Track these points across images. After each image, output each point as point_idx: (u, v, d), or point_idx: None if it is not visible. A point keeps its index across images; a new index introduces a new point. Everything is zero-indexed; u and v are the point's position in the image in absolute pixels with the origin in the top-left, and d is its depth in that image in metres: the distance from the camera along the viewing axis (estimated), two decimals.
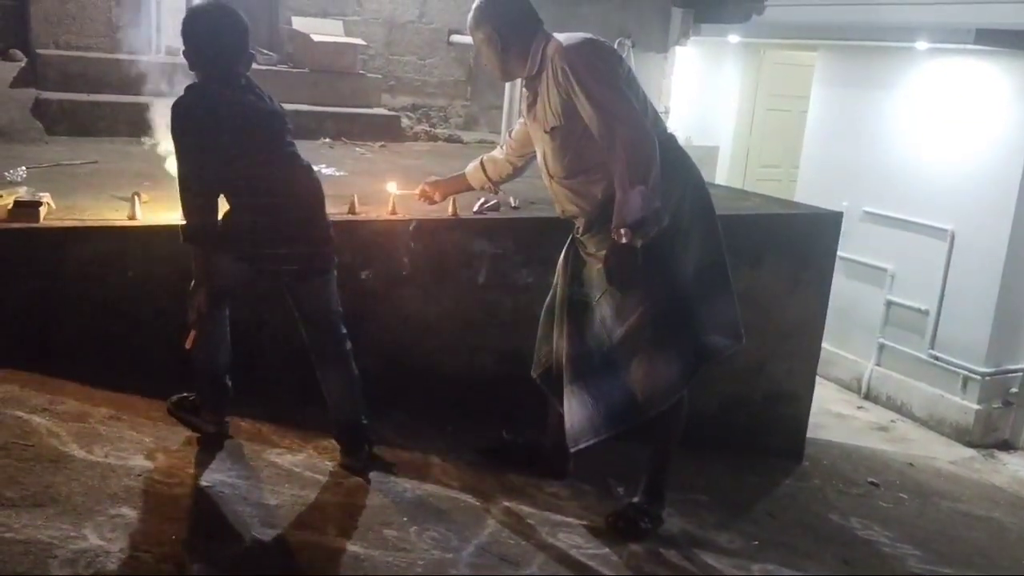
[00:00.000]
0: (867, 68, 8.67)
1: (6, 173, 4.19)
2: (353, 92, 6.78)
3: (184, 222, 2.90)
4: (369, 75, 7.00)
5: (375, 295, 3.92)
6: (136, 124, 5.23)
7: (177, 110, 2.83)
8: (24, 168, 4.29)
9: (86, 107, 5.62)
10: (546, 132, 3.16)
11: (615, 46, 7.79)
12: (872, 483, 5.30)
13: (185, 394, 3.23)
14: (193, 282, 2.98)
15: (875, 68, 8.59)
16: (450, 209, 4.08)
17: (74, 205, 3.74)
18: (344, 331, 3.18)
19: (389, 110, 7.09)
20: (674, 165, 3.16)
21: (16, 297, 3.37)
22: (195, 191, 2.85)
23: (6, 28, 6.14)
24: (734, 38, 9.52)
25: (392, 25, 7.35)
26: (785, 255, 4.87)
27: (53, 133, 5.42)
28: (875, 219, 8.56)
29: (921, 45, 7.85)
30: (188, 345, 2.99)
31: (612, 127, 2.98)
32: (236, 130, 2.87)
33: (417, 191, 3.82)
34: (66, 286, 3.42)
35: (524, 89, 3.28)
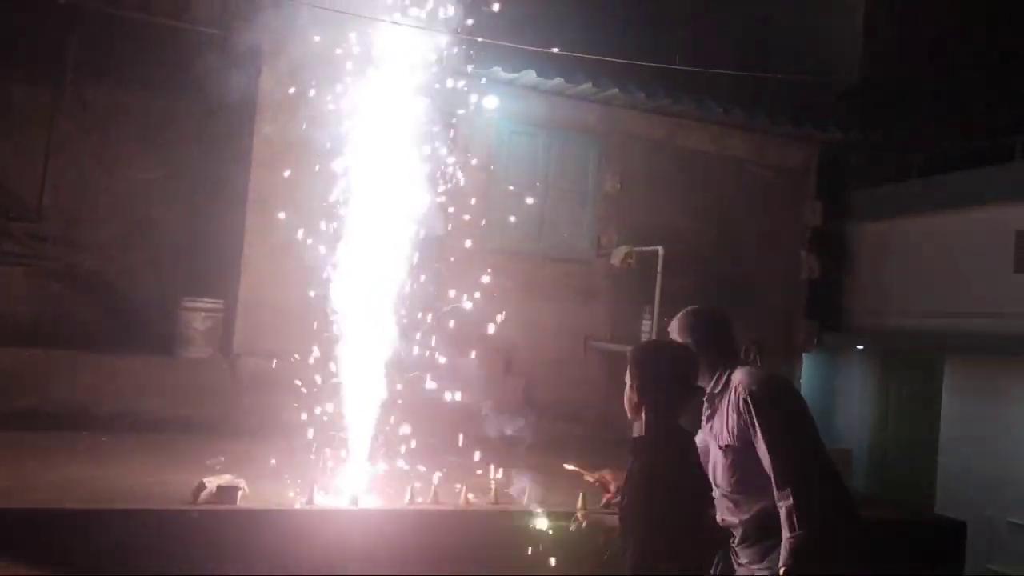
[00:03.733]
0: (996, 377, 8.79)
1: (208, 461, 4.97)
2: None
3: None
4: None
5: None
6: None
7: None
8: (223, 457, 5.07)
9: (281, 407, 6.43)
10: (720, 448, 3.33)
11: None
12: None
13: None
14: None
15: (1004, 377, 8.71)
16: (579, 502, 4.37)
17: (263, 490, 4.42)
18: None
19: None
20: (837, 507, 3.21)
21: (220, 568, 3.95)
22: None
23: (212, 333, 7.28)
24: (858, 347, 9.92)
25: (535, 331, 8.19)
26: (900, 564, 4.93)
27: (248, 429, 6.25)
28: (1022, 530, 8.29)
29: None
30: None
31: (783, 472, 3.11)
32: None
33: (594, 476, 3.68)
34: (258, 562, 3.99)
35: (705, 401, 3.42)
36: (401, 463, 5.37)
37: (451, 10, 5.82)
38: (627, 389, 2.98)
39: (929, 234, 9.14)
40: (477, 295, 6.83)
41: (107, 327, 7.13)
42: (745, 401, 3.19)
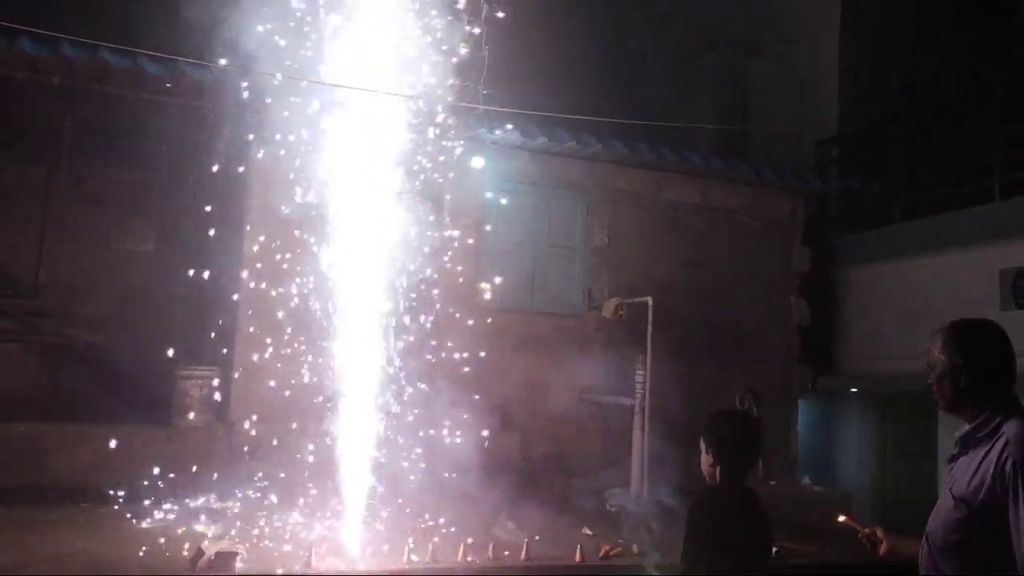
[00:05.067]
0: None
1: (206, 528, 4.99)
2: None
3: None
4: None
5: None
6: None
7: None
8: (221, 523, 5.09)
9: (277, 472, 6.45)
10: (952, 496, 2.77)
11: (736, 402, 8.42)
12: None
13: None
14: None
15: None
16: None
17: (262, 555, 4.43)
18: None
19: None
20: None
21: None
22: None
23: (208, 400, 7.30)
24: (853, 391, 9.98)
25: (529, 386, 8.22)
26: None
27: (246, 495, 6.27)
28: None
29: None
30: None
31: None
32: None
33: (864, 532, 3.24)
34: None
35: (959, 439, 2.86)
36: (399, 521, 5.38)
37: (437, 75, 6.01)
38: (702, 455, 3.30)
39: (915, 276, 9.26)
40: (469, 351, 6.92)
41: (104, 399, 7.15)
42: (1015, 465, 2.60)
